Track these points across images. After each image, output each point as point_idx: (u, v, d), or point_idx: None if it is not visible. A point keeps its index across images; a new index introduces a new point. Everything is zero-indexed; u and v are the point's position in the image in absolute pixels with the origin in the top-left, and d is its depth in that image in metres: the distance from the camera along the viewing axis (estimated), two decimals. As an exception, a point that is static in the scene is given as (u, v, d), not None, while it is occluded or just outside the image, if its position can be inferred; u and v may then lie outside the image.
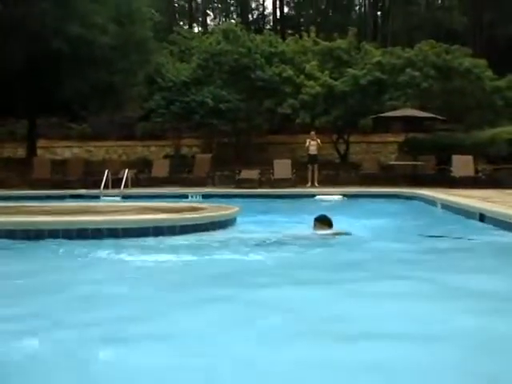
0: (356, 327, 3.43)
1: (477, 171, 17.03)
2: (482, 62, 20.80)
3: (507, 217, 7.29)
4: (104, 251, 6.24)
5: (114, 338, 3.26)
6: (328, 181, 18.32)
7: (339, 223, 7.59)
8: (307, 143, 18.74)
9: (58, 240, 6.77)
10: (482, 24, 33.36)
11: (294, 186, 17.70)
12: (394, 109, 19.17)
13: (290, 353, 2.96)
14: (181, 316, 3.73)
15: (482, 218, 8.32)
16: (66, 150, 24.84)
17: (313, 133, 18.82)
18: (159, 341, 3.23)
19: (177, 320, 3.66)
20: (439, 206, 11.38)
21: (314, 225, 7.48)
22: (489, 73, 20.52)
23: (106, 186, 16.76)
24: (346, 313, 3.75)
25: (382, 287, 4.57)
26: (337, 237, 7.23)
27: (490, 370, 2.73)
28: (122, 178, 17.01)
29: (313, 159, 18.55)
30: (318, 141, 18.80)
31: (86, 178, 18.67)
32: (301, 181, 18.21)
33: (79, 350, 3.00)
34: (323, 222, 7.44)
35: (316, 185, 17.99)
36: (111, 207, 9.82)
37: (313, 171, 18.39)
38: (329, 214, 7.62)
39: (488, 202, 9.76)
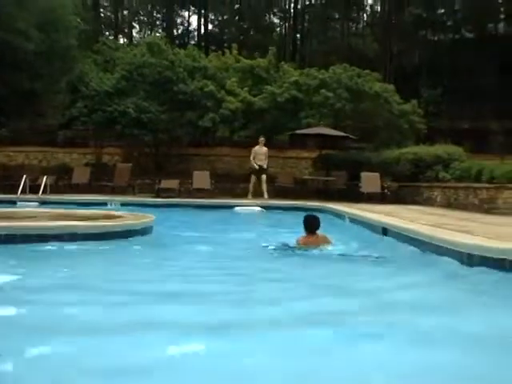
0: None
1: (383, 188, 17.87)
2: (391, 87, 22.32)
3: (405, 231, 7.67)
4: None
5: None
6: (244, 193, 18.73)
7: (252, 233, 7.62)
8: (252, 154, 18.57)
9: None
10: (391, 52, 35.51)
11: (212, 196, 18.18)
12: (310, 126, 20.12)
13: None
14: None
15: (385, 231, 8.59)
16: (-17, 155, 24.15)
17: (262, 139, 18.69)
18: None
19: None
20: (347, 219, 11.75)
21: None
22: (396, 97, 21.98)
23: (23, 192, 16.57)
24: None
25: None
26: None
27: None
28: (41, 184, 16.91)
29: (261, 170, 18.39)
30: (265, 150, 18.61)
31: (2, 182, 18.32)
32: (220, 192, 18.78)
33: None
34: (309, 222, 7.10)
35: (265, 196, 17.83)
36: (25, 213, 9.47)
37: (261, 182, 18.25)
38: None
39: (391, 216, 10.15)
